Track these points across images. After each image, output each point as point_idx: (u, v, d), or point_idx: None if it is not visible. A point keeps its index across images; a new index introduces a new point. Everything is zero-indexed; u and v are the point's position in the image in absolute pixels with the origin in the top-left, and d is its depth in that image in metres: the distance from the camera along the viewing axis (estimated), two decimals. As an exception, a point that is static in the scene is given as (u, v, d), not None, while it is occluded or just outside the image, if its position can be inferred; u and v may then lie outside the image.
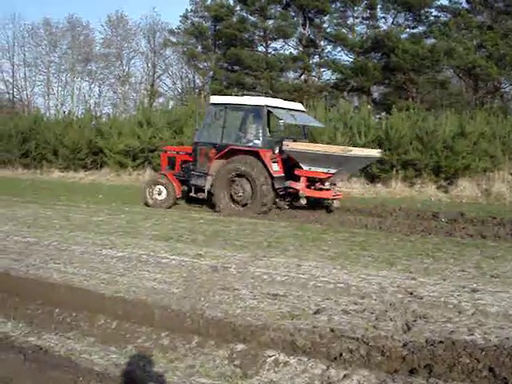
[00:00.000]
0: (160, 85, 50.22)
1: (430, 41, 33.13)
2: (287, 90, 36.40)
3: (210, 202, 13.11)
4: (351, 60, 37.90)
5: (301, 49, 40.12)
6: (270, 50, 41.09)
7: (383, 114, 27.26)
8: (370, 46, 35.56)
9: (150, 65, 50.30)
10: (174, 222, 10.65)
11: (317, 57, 40.84)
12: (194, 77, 47.57)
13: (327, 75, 40.67)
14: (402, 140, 16.95)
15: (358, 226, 10.86)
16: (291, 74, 41.69)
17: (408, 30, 36.71)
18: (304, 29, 39.60)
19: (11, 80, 51.88)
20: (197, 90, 43.83)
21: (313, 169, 11.99)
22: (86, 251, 8.21)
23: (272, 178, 12.05)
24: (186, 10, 43.95)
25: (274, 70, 37.72)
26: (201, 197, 13.20)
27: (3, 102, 53.21)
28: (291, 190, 12.47)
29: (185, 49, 44.33)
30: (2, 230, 10.13)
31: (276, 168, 12.14)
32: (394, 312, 5.31)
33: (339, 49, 39.55)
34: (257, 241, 8.84)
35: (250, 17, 40.54)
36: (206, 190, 12.88)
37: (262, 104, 12.52)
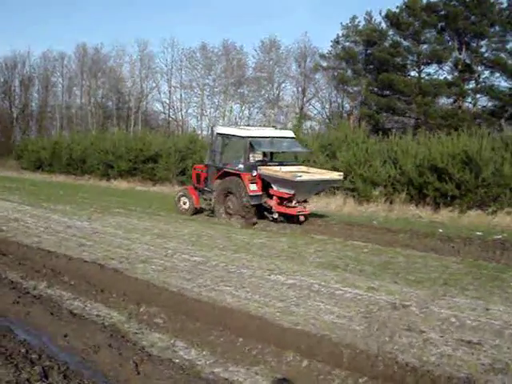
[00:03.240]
0: (309, 108, 50.54)
1: None
2: (440, 116, 35.10)
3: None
4: (510, 86, 35.92)
5: (456, 74, 38.56)
6: (422, 75, 39.87)
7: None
8: (532, 72, 33.44)
9: (299, 89, 50.83)
10: (336, 250, 10.33)
11: (473, 82, 39.04)
12: (342, 101, 47.39)
13: (483, 101, 38.75)
14: None
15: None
16: (444, 100, 40.18)
17: None
18: (460, 53, 38.07)
19: (168, 101, 55.00)
20: (345, 115, 43.56)
21: (280, 189, 14.02)
22: (253, 275, 8.12)
23: (250, 195, 14.13)
24: (338, 35, 44.01)
25: (426, 96, 36.54)
26: (207, 207, 15.78)
27: (159, 122, 56.50)
28: (268, 206, 14.50)
29: (335, 73, 44.32)
30: (168, 246, 10.41)
31: (253, 188, 14.24)
32: None
33: (497, 74, 37.60)
34: (431, 277, 8.24)
35: (403, 41, 39.72)
36: (211, 203, 15.35)
37: (245, 135, 14.70)
